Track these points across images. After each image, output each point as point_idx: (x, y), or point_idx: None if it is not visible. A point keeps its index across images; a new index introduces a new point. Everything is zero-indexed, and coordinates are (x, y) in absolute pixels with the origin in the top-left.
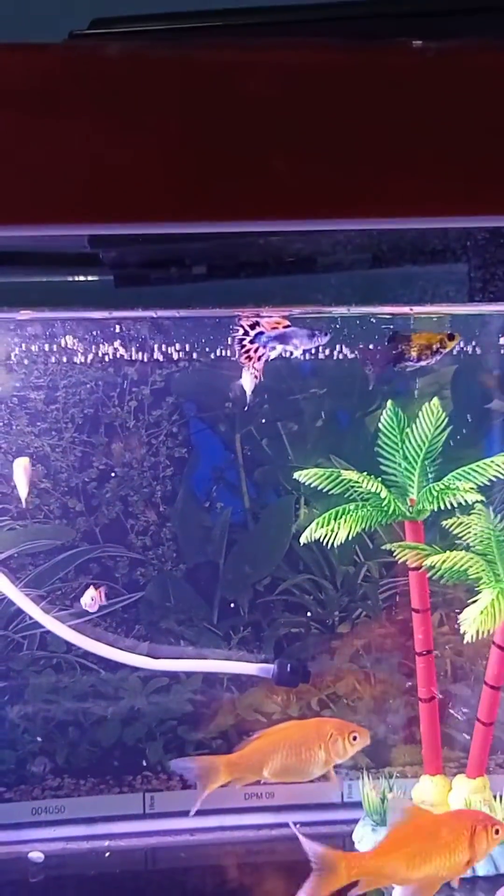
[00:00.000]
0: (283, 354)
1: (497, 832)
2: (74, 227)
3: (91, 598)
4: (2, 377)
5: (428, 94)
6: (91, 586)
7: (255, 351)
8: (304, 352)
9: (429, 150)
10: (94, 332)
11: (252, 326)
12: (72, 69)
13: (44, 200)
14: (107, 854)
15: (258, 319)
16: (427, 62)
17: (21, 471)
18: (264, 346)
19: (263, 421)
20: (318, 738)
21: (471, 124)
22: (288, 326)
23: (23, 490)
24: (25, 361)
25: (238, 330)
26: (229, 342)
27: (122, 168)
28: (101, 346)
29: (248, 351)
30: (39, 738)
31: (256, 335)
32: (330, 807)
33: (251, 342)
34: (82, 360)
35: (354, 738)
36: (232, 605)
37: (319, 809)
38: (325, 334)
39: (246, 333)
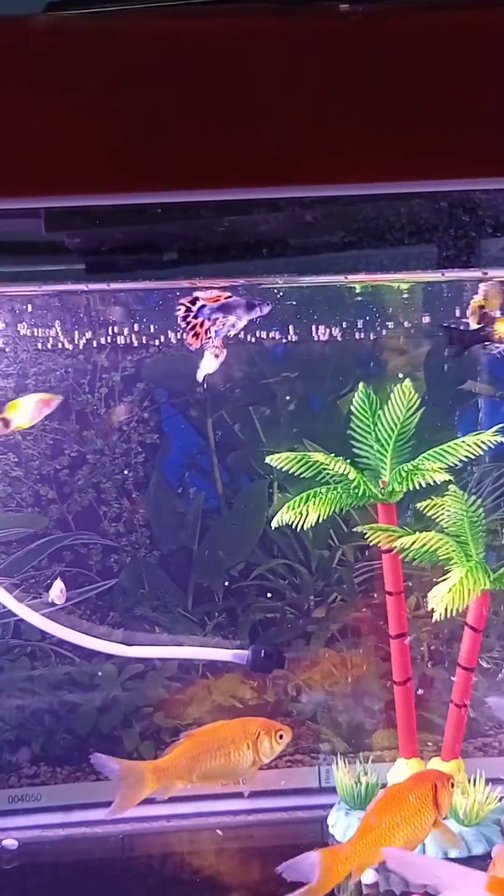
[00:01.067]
0: (258, 337)
1: (452, 785)
2: (27, 201)
3: (59, 591)
4: None
5: (354, 56)
6: (58, 579)
7: (202, 325)
8: (280, 334)
9: (357, 113)
10: (65, 318)
11: (192, 302)
12: (18, 43)
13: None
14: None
15: (197, 295)
16: (354, 24)
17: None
18: (208, 319)
19: (236, 406)
20: (245, 737)
21: (398, 85)
22: (228, 298)
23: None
24: None
25: (180, 309)
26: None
27: (63, 141)
28: (66, 329)
29: (194, 327)
30: (15, 727)
31: (199, 309)
32: (307, 792)
33: (195, 317)
34: (54, 346)
35: (280, 737)
36: (206, 590)
37: (296, 795)
38: (267, 304)
39: (188, 311)
